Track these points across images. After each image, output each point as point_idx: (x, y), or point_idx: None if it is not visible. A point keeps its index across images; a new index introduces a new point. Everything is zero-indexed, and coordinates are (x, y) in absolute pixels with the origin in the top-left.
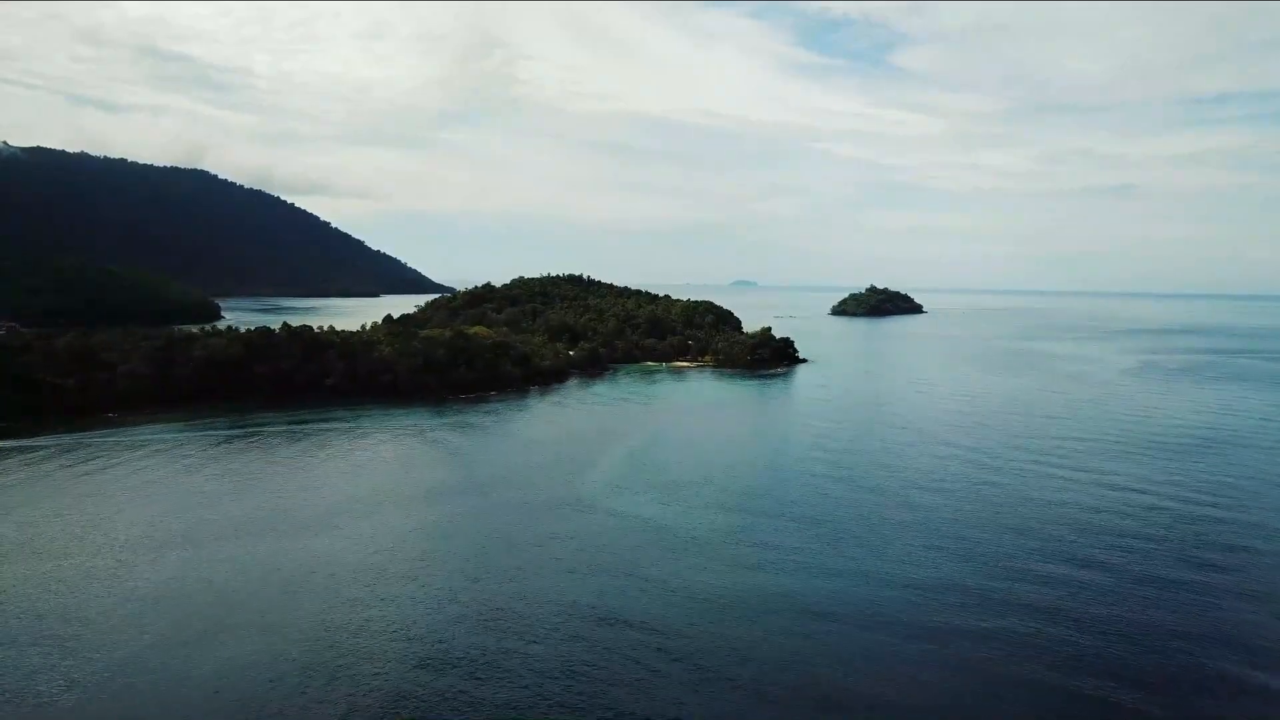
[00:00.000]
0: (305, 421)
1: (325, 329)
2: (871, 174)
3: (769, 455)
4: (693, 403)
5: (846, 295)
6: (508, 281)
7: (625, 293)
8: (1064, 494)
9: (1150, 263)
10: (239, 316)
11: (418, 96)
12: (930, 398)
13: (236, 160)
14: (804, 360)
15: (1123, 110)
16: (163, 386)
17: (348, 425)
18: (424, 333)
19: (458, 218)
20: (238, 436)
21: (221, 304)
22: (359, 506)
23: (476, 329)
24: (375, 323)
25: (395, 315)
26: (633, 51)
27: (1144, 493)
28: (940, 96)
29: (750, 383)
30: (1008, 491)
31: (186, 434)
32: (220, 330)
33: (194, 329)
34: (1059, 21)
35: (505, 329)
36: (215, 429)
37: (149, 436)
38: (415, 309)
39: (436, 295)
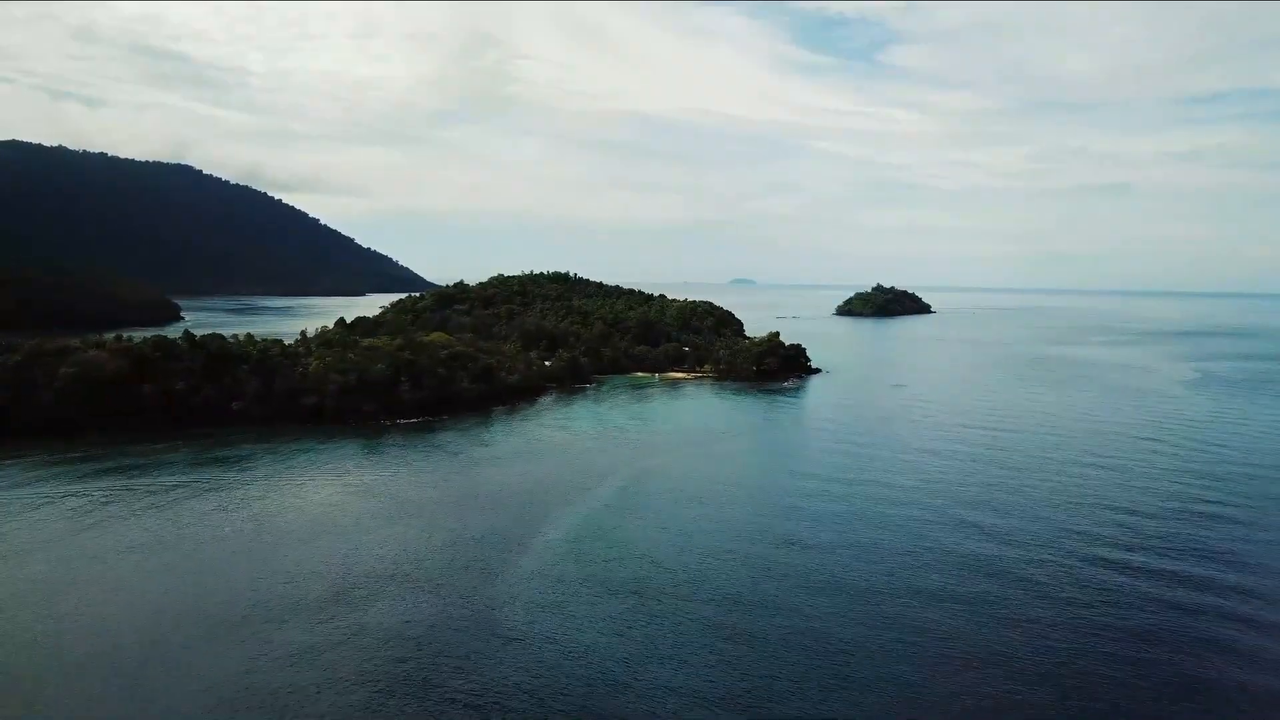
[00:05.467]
0: (187, 464)
1: (242, 338)
2: (869, 172)
3: (783, 523)
4: (688, 429)
5: (852, 294)
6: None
7: (615, 292)
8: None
9: (1147, 261)
10: (202, 317)
11: (412, 95)
12: (983, 425)
13: (226, 157)
14: (817, 370)
15: (1118, 108)
16: (16, 414)
17: (238, 469)
18: (366, 342)
19: (453, 216)
20: (68, 493)
21: (191, 303)
22: (146, 630)
23: (434, 336)
24: (326, 326)
25: (371, 315)
26: (628, 50)
27: None
28: (937, 94)
29: (757, 400)
30: (1167, 606)
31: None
32: (102, 340)
33: (126, 335)
34: (1054, 20)
35: (471, 335)
36: (44, 479)
37: None
38: (381, 309)
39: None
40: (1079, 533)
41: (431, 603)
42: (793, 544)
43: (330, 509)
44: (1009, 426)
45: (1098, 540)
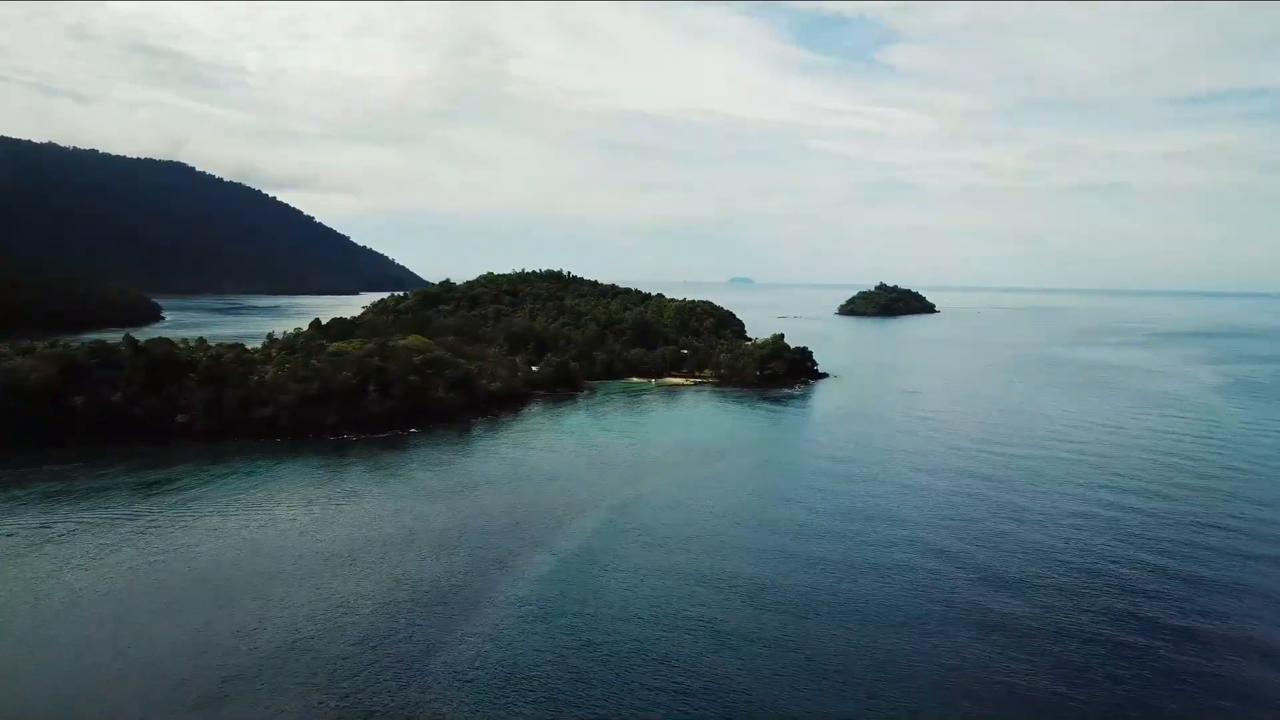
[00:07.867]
0: (104, 490)
1: (191, 343)
2: (867, 171)
3: (796, 576)
4: (685, 447)
5: (855, 293)
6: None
7: (610, 292)
8: None
9: (1144, 260)
10: (183, 317)
11: (409, 94)
12: (1006, 445)
13: (221, 155)
14: (823, 375)
15: (1116, 108)
16: None
17: (163, 496)
18: (334, 346)
19: (449, 215)
20: None
21: (176, 303)
22: None
23: (410, 339)
24: (301, 328)
25: (348, 316)
26: (625, 49)
27: None
28: (934, 94)
29: (761, 409)
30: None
31: None
32: (31, 346)
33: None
34: (1054, 20)
35: (454, 338)
36: None
37: None
38: (362, 310)
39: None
40: (1128, 614)
41: (349, 690)
42: (804, 619)
43: (262, 553)
44: (1035, 446)
45: (1142, 618)
